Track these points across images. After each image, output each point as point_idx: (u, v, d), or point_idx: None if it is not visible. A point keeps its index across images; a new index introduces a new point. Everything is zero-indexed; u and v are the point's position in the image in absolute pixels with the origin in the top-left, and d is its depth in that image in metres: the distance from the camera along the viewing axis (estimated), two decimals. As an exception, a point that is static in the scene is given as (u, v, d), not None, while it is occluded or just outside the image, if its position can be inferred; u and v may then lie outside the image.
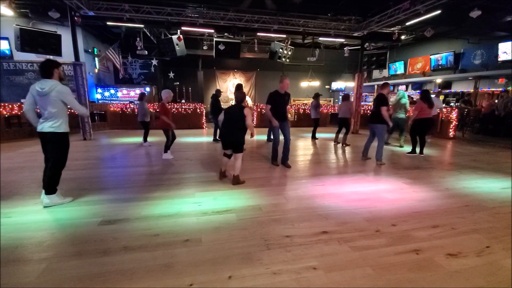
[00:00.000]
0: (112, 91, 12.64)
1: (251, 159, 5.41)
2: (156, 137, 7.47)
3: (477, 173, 4.54)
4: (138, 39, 9.99)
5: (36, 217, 2.72)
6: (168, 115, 5.15)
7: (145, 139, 6.75)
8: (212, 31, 9.19)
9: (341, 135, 7.16)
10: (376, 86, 16.79)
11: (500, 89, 10.37)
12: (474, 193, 3.56)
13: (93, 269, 1.89)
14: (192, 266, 1.93)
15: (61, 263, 1.96)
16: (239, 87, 6.11)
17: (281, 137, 4.77)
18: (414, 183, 3.95)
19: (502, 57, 9.86)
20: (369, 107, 12.15)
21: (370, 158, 5.43)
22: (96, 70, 11.98)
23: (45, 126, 2.87)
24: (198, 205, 3.02)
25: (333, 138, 7.42)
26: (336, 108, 10.62)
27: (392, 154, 6.09)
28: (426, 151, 6.05)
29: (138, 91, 12.91)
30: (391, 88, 15.81)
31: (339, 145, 7.07)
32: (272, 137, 7.18)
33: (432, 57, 12.30)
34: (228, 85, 16.12)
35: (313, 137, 8.14)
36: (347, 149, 6.72)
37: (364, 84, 11.48)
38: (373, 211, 2.93)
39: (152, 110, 8.15)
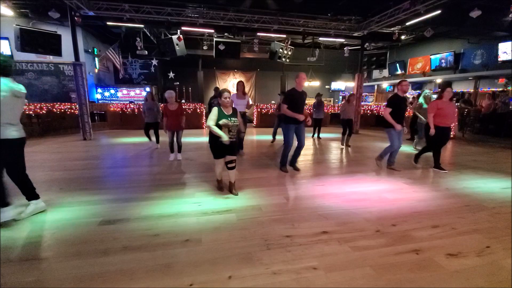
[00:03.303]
0: (112, 91, 12.64)
1: (251, 159, 5.41)
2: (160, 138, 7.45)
3: (477, 173, 4.54)
4: (138, 39, 9.99)
5: (36, 217, 2.72)
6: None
7: (157, 140, 6.53)
8: (212, 31, 9.20)
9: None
10: (376, 86, 16.80)
11: (500, 89, 10.38)
12: (474, 193, 3.56)
13: (93, 269, 1.89)
14: (192, 266, 1.93)
15: (61, 263, 1.96)
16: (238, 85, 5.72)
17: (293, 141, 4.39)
18: (414, 183, 3.95)
19: (502, 57, 9.86)
20: (370, 107, 12.15)
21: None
22: (96, 70, 11.98)
23: None
24: (198, 205, 3.02)
25: (335, 139, 7.39)
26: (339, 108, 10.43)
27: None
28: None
29: (138, 91, 12.92)
30: (390, 87, 15.80)
31: (343, 147, 6.96)
32: (282, 138, 7.04)
33: (433, 57, 12.29)
34: (228, 85, 16.09)
35: (318, 137, 8.22)
36: (348, 149, 6.71)
37: (364, 84, 11.46)
38: (373, 211, 2.93)
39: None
